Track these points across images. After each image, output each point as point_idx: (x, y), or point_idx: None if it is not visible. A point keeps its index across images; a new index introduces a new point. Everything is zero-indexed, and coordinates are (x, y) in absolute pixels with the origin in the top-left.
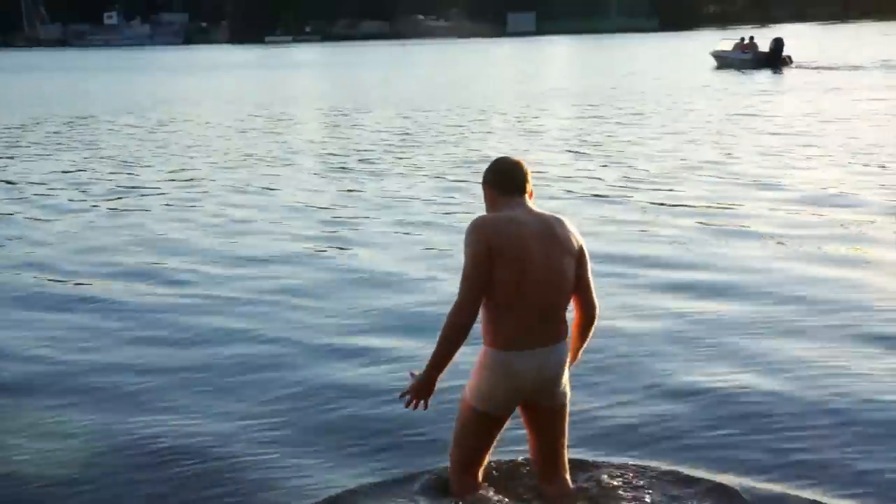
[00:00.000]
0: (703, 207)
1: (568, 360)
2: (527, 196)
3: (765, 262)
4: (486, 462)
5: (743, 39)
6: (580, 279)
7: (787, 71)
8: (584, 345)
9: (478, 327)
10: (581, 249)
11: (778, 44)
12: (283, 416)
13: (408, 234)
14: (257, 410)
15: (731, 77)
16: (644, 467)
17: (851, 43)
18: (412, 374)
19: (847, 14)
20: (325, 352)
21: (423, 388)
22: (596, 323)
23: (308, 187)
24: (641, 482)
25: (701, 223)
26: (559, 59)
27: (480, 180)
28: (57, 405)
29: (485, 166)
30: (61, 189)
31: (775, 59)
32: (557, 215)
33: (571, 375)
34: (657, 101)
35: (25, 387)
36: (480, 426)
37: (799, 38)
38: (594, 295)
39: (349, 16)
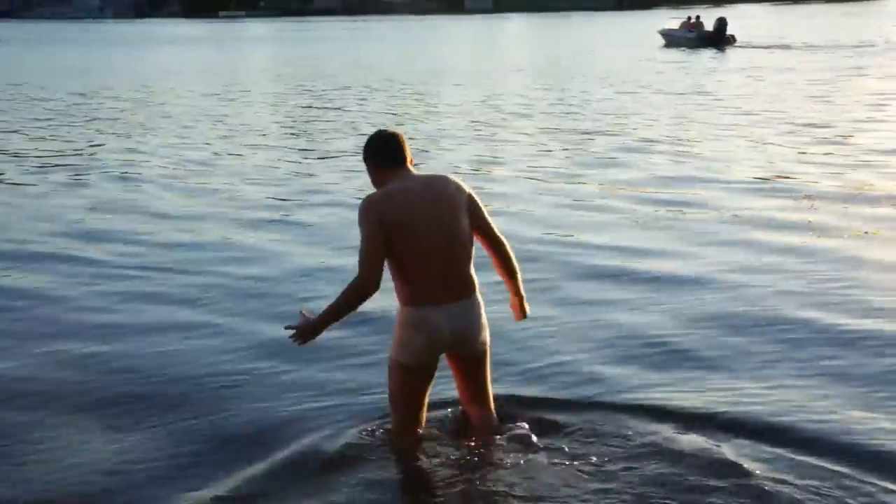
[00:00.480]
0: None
1: (482, 309)
2: (408, 164)
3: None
4: (423, 417)
5: (689, 18)
6: (479, 223)
7: (729, 50)
8: (520, 286)
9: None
10: (470, 198)
11: (721, 23)
12: None
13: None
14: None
15: (675, 55)
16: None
17: (800, 24)
18: (303, 314)
19: None
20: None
21: (310, 332)
22: (513, 256)
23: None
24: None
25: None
26: (512, 37)
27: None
28: None
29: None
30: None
31: (719, 39)
32: (439, 174)
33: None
34: (601, 79)
35: None
36: (409, 379)
37: (750, 18)
38: (497, 231)
39: None
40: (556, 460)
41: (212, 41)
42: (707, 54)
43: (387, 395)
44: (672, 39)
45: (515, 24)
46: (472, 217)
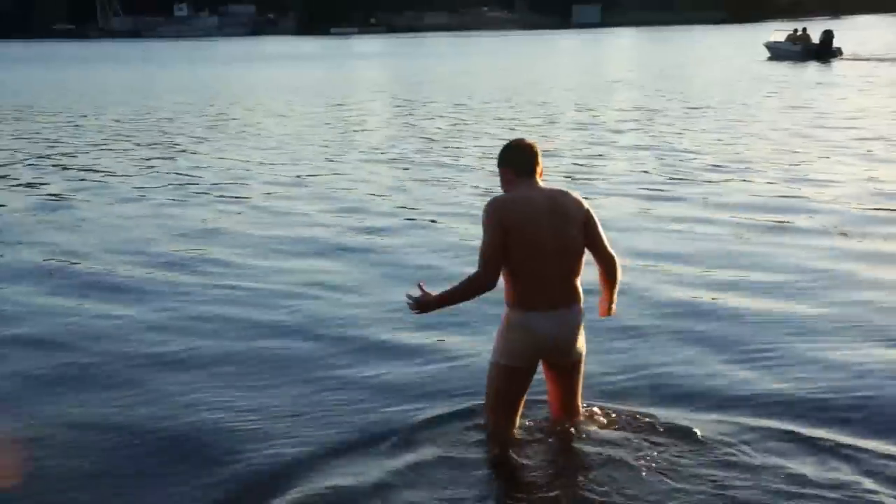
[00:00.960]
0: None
1: (582, 320)
2: (537, 176)
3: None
4: (517, 419)
5: (796, 31)
6: (593, 239)
7: (835, 63)
8: (615, 293)
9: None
10: (587, 214)
11: (827, 36)
12: (318, 410)
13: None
14: (288, 404)
15: (780, 68)
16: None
17: None
18: (421, 287)
19: None
20: (363, 347)
21: (426, 306)
22: (619, 271)
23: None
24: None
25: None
26: (620, 50)
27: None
28: (84, 395)
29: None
30: (118, 177)
31: (825, 52)
32: (562, 188)
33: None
34: (705, 93)
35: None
36: (506, 380)
37: (862, 29)
38: (608, 247)
39: (414, 7)
40: (639, 463)
41: (326, 57)
42: (812, 67)
43: (483, 398)
44: (777, 52)
45: (622, 39)
46: (587, 233)
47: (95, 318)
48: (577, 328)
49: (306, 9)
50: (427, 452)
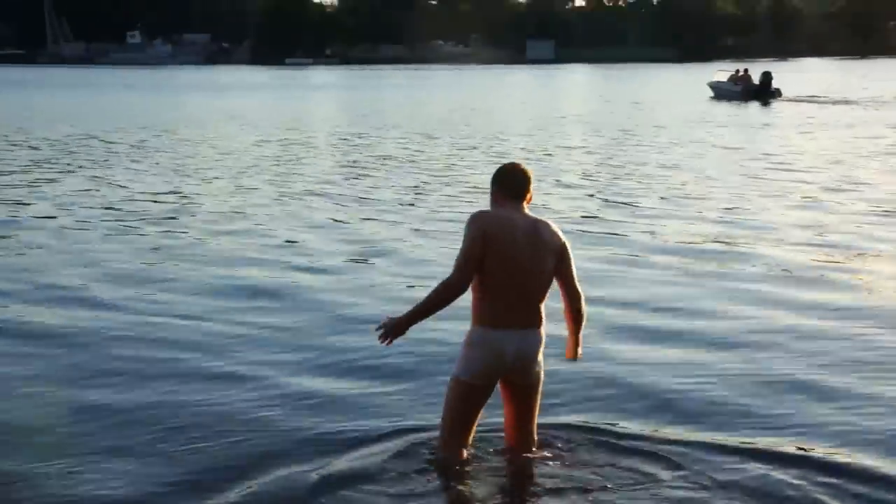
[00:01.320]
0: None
1: (542, 345)
2: (524, 201)
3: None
4: (472, 433)
5: (737, 71)
6: (563, 272)
7: (775, 103)
8: (580, 331)
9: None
10: (563, 247)
11: (766, 77)
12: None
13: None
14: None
15: (722, 108)
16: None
17: (855, 78)
18: (387, 318)
19: (866, 49)
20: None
21: (396, 330)
22: (584, 308)
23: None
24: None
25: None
26: (570, 86)
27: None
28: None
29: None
30: (59, 208)
31: (764, 92)
32: (544, 219)
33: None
34: (650, 132)
35: None
36: (464, 395)
37: (809, 72)
38: (577, 284)
39: (369, 40)
40: (584, 484)
41: (279, 87)
42: (753, 107)
43: (438, 416)
44: (720, 92)
45: (574, 74)
46: (559, 264)
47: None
48: (537, 350)
49: (261, 39)
50: (373, 467)
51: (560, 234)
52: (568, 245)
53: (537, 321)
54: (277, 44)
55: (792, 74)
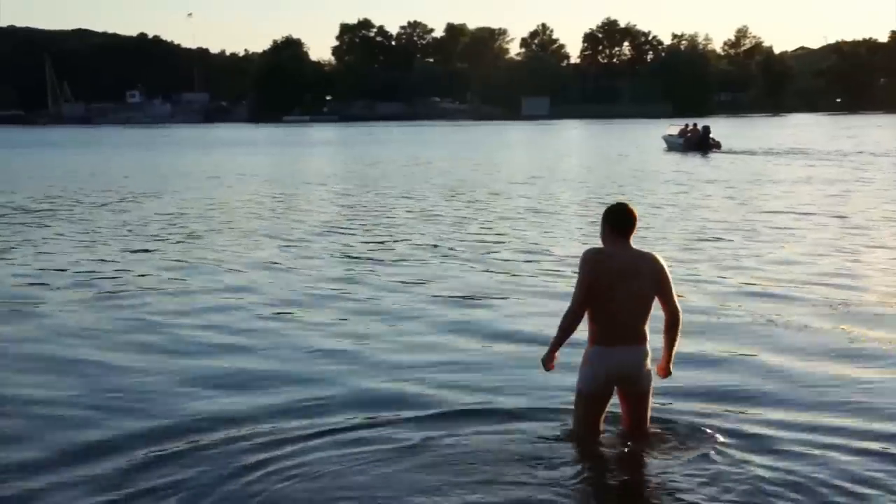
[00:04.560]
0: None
1: (647, 358)
2: (630, 237)
3: None
4: (598, 431)
5: (687, 125)
6: (662, 292)
7: (713, 154)
8: (674, 347)
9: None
10: (662, 273)
11: (705, 131)
12: None
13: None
14: None
15: (669, 158)
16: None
17: (808, 134)
18: (542, 361)
19: (857, 105)
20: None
21: (547, 361)
22: (680, 322)
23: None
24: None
25: None
26: (546, 142)
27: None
28: None
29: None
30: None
31: (703, 144)
32: (645, 252)
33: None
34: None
35: None
36: (586, 404)
37: (785, 127)
38: (676, 302)
39: (367, 97)
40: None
41: (278, 144)
42: (692, 158)
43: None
44: (670, 144)
45: (567, 130)
46: (659, 287)
47: None
48: (643, 362)
49: (259, 97)
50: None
51: (659, 259)
52: (667, 269)
53: (642, 339)
54: (275, 101)
55: (746, 129)
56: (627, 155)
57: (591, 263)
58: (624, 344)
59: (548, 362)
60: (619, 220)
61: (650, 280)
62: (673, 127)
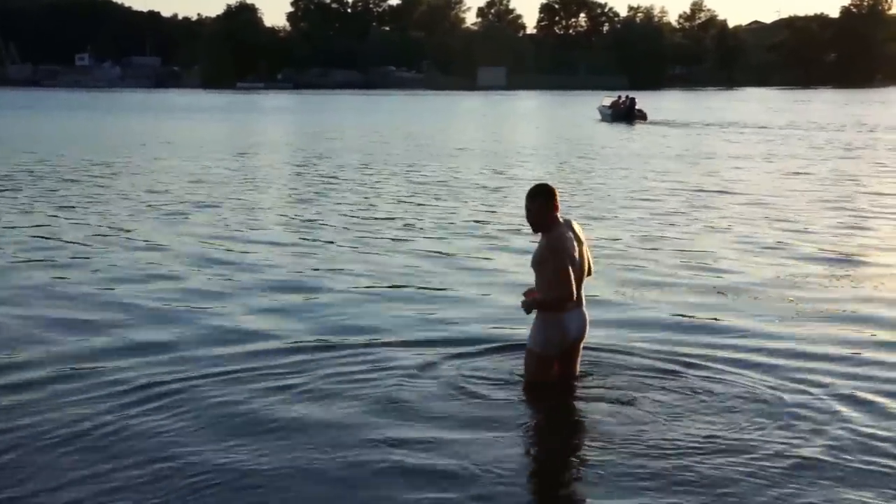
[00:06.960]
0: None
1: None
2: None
3: None
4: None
5: (619, 97)
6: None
7: (637, 124)
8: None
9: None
10: (581, 237)
11: (631, 102)
12: None
13: None
14: None
15: (597, 127)
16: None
17: (765, 106)
18: (525, 295)
19: (809, 79)
20: None
21: (527, 308)
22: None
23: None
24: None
25: None
26: (497, 113)
27: (529, 195)
28: None
29: None
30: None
31: (629, 115)
32: (567, 217)
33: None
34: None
35: None
36: (545, 365)
37: (740, 101)
38: (591, 258)
39: (322, 65)
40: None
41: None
42: (618, 127)
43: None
44: (602, 114)
45: (521, 101)
46: (582, 247)
47: None
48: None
49: (212, 62)
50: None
51: (574, 224)
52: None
53: (582, 299)
54: (229, 68)
55: (691, 103)
56: (560, 124)
57: (561, 250)
58: (578, 306)
59: (527, 309)
60: (552, 196)
61: (581, 243)
62: (608, 99)
